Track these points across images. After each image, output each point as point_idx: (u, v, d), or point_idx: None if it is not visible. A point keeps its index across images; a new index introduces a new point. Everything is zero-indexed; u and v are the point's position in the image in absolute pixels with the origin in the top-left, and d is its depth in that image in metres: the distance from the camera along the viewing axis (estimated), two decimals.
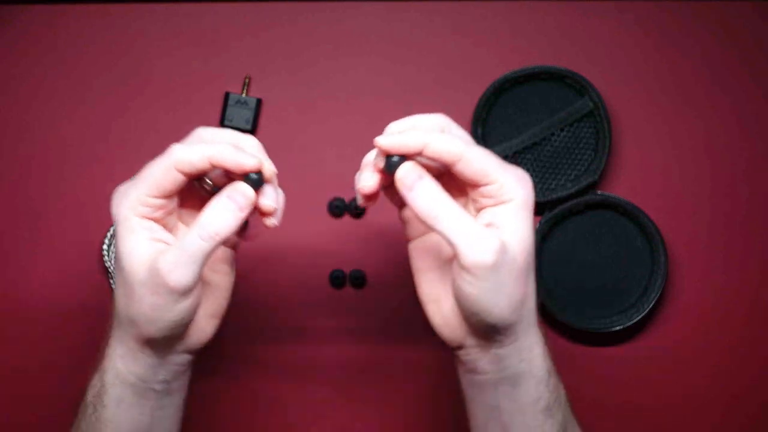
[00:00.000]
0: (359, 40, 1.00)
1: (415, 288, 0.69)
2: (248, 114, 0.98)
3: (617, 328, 0.95)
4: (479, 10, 1.00)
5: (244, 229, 0.68)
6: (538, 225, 0.96)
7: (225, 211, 0.62)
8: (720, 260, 0.98)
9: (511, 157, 0.98)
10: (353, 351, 0.97)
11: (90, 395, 0.70)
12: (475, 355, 0.66)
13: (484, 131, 0.98)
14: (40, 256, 0.98)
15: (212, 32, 1.00)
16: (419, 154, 0.62)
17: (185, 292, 0.61)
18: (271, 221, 0.64)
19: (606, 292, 0.96)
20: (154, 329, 0.63)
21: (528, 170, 0.98)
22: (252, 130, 0.98)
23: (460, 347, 0.66)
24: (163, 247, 0.63)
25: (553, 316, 0.96)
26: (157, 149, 1.01)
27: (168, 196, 0.64)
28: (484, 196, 0.63)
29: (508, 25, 1.00)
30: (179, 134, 0.99)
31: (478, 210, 0.64)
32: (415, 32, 1.00)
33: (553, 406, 0.67)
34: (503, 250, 0.60)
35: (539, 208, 0.97)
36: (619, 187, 0.98)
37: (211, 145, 0.63)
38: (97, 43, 1.00)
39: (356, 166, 1.00)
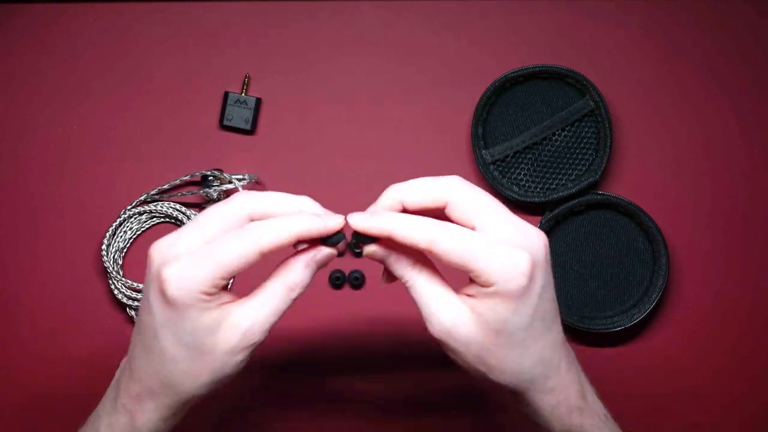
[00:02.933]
0: (359, 40, 1.00)
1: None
2: (248, 113, 0.98)
3: (618, 328, 0.94)
4: (479, 10, 1.00)
5: None
6: (538, 225, 0.96)
7: (307, 270, 0.61)
8: (721, 260, 0.97)
9: (512, 157, 0.98)
10: (353, 350, 0.97)
11: None
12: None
13: (484, 131, 0.98)
14: (40, 256, 0.98)
15: (212, 32, 1.00)
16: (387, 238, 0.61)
17: (258, 343, 0.62)
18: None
19: (607, 292, 0.96)
20: (205, 389, 0.62)
21: (529, 170, 0.98)
22: (251, 130, 0.98)
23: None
24: (233, 307, 0.61)
25: None
26: (157, 149, 1.01)
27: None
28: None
29: (508, 25, 1.00)
30: (178, 134, 1.00)
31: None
32: (415, 32, 1.00)
33: None
34: (454, 329, 0.61)
35: (540, 208, 0.97)
36: (620, 187, 0.98)
37: (295, 221, 0.60)
38: (97, 43, 1.00)
39: (356, 166, 1.01)
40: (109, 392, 0.67)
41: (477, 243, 0.59)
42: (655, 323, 0.97)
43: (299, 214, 0.61)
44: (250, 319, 0.60)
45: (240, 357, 0.61)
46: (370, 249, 0.62)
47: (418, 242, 0.59)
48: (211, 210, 0.61)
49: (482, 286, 0.60)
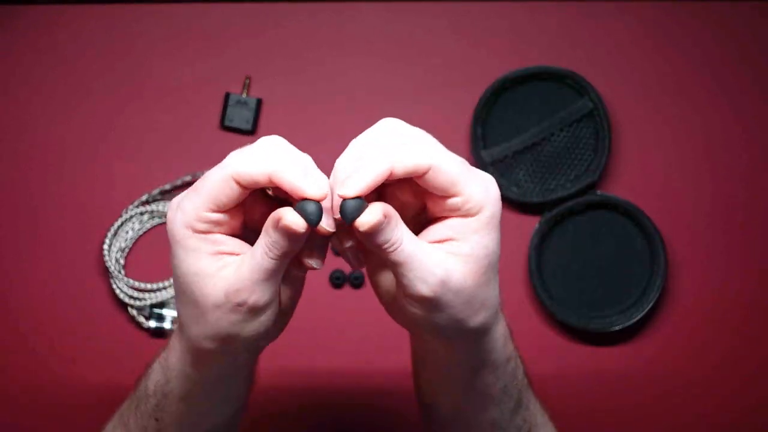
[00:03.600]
0: (359, 40, 1.00)
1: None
2: (248, 114, 0.98)
3: (617, 328, 0.95)
4: (479, 10, 1.00)
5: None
6: (537, 225, 0.96)
7: (276, 232, 0.55)
8: (719, 260, 0.98)
9: (511, 157, 0.98)
10: (352, 349, 0.97)
11: (152, 387, 0.67)
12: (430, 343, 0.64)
13: (484, 131, 0.98)
14: (41, 256, 0.98)
15: (212, 32, 1.00)
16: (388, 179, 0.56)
17: (266, 308, 0.57)
18: (313, 263, 0.58)
19: (606, 292, 0.96)
20: (238, 343, 0.60)
21: (528, 170, 0.98)
22: (252, 131, 0.98)
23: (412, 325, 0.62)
24: (233, 260, 0.57)
25: (553, 315, 0.96)
26: (158, 149, 1.02)
27: (226, 211, 0.57)
28: (449, 209, 0.58)
29: (508, 25, 1.00)
30: (179, 134, 1.00)
31: (436, 218, 0.59)
32: (415, 32, 1.00)
33: (510, 387, 0.66)
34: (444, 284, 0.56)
35: (539, 209, 0.97)
36: (619, 188, 0.98)
37: (272, 158, 0.56)
38: (97, 43, 1.00)
39: None
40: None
41: (464, 162, 0.57)
42: (654, 323, 0.97)
43: (282, 155, 0.57)
44: (233, 273, 0.56)
45: (234, 317, 0.57)
46: (367, 218, 0.54)
47: (421, 168, 0.55)
48: (207, 176, 0.58)
49: (465, 215, 0.57)
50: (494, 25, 1.00)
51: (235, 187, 0.55)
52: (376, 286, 0.62)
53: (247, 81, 0.99)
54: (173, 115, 0.99)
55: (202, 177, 0.58)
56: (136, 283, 0.96)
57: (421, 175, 0.55)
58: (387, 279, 0.61)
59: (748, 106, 0.99)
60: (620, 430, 0.97)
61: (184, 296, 0.58)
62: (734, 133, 0.99)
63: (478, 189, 0.56)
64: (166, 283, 0.96)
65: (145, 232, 0.98)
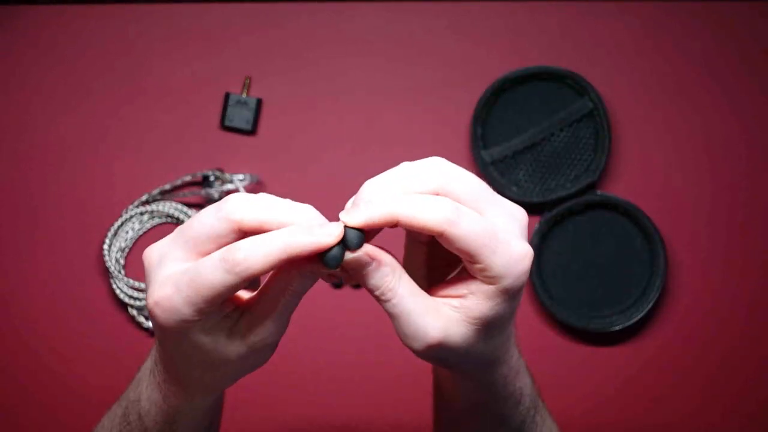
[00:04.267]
0: (359, 40, 1.00)
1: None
2: (248, 114, 0.98)
3: (617, 328, 0.95)
4: (479, 10, 1.00)
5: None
6: (537, 225, 0.97)
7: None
8: (719, 260, 0.98)
9: (511, 157, 0.98)
10: (352, 349, 0.97)
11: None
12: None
13: (484, 131, 0.98)
14: (41, 256, 0.98)
15: (212, 32, 1.00)
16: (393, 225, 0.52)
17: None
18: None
19: (605, 292, 0.96)
20: (229, 380, 0.59)
21: (528, 170, 0.98)
22: (252, 130, 0.98)
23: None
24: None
25: (552, 315, 0.96)
26: (158, 149, 1.02)
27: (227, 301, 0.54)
28: (468, 266, 0.54)
29: (508, 25, 1.00)
30: (179, 134, 1.00)
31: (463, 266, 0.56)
32: (415, 32, 1.00)
33: (512, 419, 0.66)
34: (439, 344, 0.54)
35: (539, 208, 0.98)
36: (619, 188, 0.98)
37: (284, 239, 0.50)
38: (97, 43, 1.00)
39: (356, 166, 1.01)
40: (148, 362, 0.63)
41: (493, 231, 0.52)
42: (653, 323, 0.97)
43: (286, 232, 0.51)
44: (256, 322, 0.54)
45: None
46: (353, 256, 0.51)
47: (431, 224, 0.51)
48: (200, 217, 0.53)
49: (482, 281, 0.53)
50: (494, 25, 1.00)
51: (241, 282, 0.50)
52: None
53: (247, 81, 0.99)
54: (173, 115, 0.99)
55: (194, 267, 0.51)
56: (136, 283, 0.96)
57: (435, 232, 0.51)
58: None
59: (748, 106, 0.99)
60: (620, 430, 0.97)
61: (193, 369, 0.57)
62: (734, 133, 0.99)
63: (500, 261, 0.52)
64: None
65: (145, 232, 0.98)
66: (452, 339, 0.54)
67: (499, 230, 0.53)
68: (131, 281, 0.96)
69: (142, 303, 0.96)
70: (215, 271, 0.50)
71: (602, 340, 0.97)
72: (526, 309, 0.98)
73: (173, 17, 1.00)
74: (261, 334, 0.54)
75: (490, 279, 0.53)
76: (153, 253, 0.53)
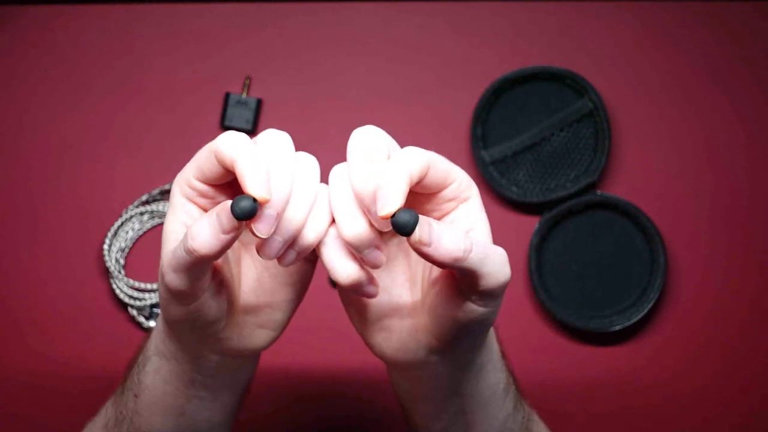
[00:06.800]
0: (359, 40, 1.00)
1: (354, 326, 0.64)
2: (248, 114, 0.98)
3: (617, 328, 0.95)
4: (479, 10, 1.00)
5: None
6: (537, 225, 0.97)
7: (208, 228, 0.52)
8: (719, 260, 0.98)
9: (511, 157, 0.98)
10: (352, 349, 0.97)
11: (140, 357, 0.69)
12: (438, 368, 0.63)
13: (483, 131, 0.98)
14: (41, 256, 0.98)
15: (212, 32, 1.00)
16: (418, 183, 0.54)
17: (180, 297, 0.55)
18: (262, 230, 0.54)
19: (605, 292, 0.97)
20: (167, 315, 0.59)
21: (528, 170, 0.98)
22: (252, 131, 0.98)
23: (416, 367, 0.61)
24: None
25: (552, 315, 0.96)
26: (158, 149, 1.02)
27: (210, 183, 0.56)
28: (446, 201, 0.56)
29: (508, 25, 1.00)
30: (179, 134, 1.00)
31: (440, 217, 0.57)
32: (415, 32, 1.00)
33: (509, 385, 0.66)
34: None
35: (539, 208, 0.98)
36: (619, 188, 0.98)
37: (247, 150, 0.53)
38: (97, 43, 1.00)
39: None
40: None
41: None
42: (653, 323, 0.97)
43: (261, 150, 0.55)
44: (167, 256, 0.55)
45: (162, 292, 0.56)
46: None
47: (425, 164, 0.53)
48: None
49: (461, 201, 0.56)
50: (494, 25, 1.00)
51: (215, 161, 0.54)
52: (383, 346, 0.62)
53: (247, 81, 0.99)
54: (173, 115, 0.99)
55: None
56: (136, 283, 0.96)
57: (427, 173, 0.54)
58: (395, 329, 0.61)
59: (748, 105, 0.99)
60: (619, 430, 0.97)
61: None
62: (734, 133, 0.99)
63: (463, 172, 0.56)
64: None
65: (145, 232, 0.98)
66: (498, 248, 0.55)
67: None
68: (131, 281, 0.96)
69: (142, 303, 0.96)
70: (207, 144, 0.55)
71: (602, 340, 0.97)
72: (526, 309, 0.98)
73: (173, 17, 1.00)
74: (162, 260, 0.56)
75: (465, 192, 0.56)
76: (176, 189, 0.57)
